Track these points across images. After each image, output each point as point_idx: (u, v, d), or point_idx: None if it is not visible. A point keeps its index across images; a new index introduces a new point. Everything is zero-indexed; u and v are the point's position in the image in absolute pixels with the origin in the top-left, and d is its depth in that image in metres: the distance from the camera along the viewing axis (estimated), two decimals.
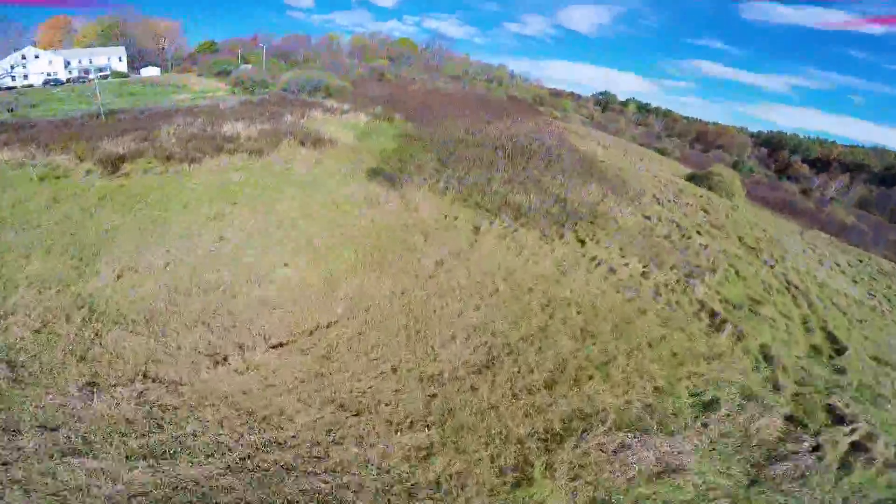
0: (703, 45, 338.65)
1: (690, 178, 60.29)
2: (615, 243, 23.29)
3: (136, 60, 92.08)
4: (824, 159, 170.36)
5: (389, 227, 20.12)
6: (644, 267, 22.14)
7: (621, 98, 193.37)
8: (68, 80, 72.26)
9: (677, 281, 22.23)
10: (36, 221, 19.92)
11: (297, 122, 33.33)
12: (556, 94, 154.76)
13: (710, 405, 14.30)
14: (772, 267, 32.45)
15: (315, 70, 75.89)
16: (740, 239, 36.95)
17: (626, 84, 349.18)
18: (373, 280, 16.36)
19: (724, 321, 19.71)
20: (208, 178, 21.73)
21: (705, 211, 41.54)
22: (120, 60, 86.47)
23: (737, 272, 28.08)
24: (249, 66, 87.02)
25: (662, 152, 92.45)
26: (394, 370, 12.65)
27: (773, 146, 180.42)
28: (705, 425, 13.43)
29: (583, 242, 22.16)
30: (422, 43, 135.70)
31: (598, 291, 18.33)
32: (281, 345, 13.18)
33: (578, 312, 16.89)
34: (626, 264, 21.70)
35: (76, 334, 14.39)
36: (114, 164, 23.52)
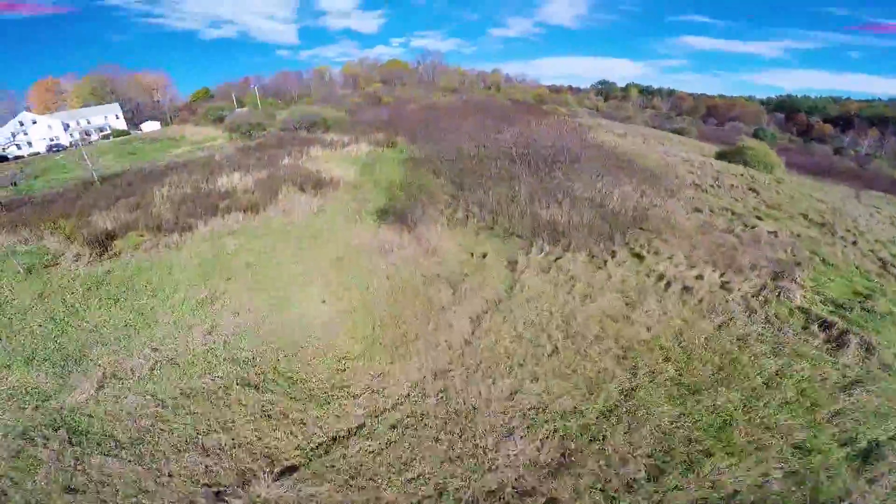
0: (686, 21, 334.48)
1: (722, 156, 55.47)
2: (677, 251, 19.46)
3: (136, 116, 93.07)
4: (844, 116, 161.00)
5: (407, 281, 16.76)
6: (721, 276, 18.24)
7: (620, 85, 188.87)
8: (71, 144, 72.57)
9: (764, 287, 18.25)
10: (19, 325, 18.04)
11: (296, 165, 30.92)
12: (556, 90, 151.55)
13: (870, 453, 11.03)
14: (854, 244, 28.23)
15: (310, 105, 75.14)
16: (805, 216, 32.40)
17: (622, 70, 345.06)
18: (396, 362, 12.97)
19: (843, 332, 15.95)
20: (201, 249, 19.01)
21: (754, 191, 37.00)
22: (117, 118, 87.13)
23: (823, 260, 23.83)
24: (245, 108, 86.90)
25: (681, 132, 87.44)
26: (439, 492, 9.24)
27: (787, 110, 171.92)
28: (872, 482, 10.29)
29: (640, 257, 18.37)
30: (412, 61, 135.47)
31: (680, 323, 14.55)
32: (292, 469, 10.00)
33: (666, 359, 13.17)
34: (700, 276, 17.85)
35: (57, 459, 12.36)
36: (102, 244, 21.31)
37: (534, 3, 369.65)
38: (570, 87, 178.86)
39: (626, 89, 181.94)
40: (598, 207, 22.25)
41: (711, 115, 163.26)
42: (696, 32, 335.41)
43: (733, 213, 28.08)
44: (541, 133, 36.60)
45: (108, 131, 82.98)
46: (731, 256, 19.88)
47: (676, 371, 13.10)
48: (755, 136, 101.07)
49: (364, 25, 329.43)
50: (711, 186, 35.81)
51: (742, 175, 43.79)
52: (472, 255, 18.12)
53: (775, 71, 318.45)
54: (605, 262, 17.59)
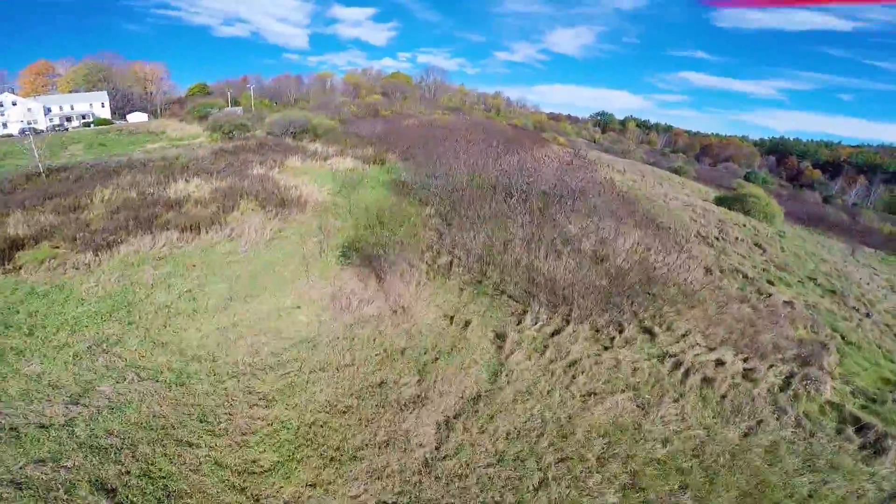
0: (686, 56, 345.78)
1: (721, 202, 53.95)
2: (692, 326, 16.54)
3: (124, 106, 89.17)
4: (833, 162, 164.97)
5: (362, 358, 12.83)
6: (744, 361, 15.35)
7: (618, 116, 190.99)
8: (47, 129, 68.85)
9: (792, 375, 15.44)
10: None
11: (266, 175, 27.50)
12: (555, 118, 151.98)
13: None
14: (868, 315, 26.32)
15: (302, 110, 72.14)
16: (813, 280, 30.36)
17: (620, 102, 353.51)
18: (320, 486, 9.15)
19: (881, 436, 13.58)
20: (113, 277, 15.19)
21: (759, 247, 34.93)
22: (102, 106, 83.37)
23: (843, 337, 21.37)
24: (239, 108, 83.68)
25: (678, 172, 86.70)
26: None
27: (779, 153, 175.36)
28: None
29: (651, 334, 15.33)
30: (416, 76, 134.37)
31: (700, 433, 11.47)
32: None
33: (683, 486, 10.10)
34: (720, 361, 14.94)
35: None
36: (2, 255, 17.46)
37: (541, 31, 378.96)
38: (569, 116, 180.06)
39: (624, 122, 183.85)
40: (601, 261, 19.33)
41: (706, 153, 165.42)
42: (695, 68, 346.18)
43: (744, 276, 25.59)
44: (543, 166, 34.05)
45: (91, 119, 78.98)
46: (751, 335, 17.07)
47: (694, 499, 10.10)
48: (747, 178, 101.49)
49: (374, 37, 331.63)
50: (717, 238, 33.58)
51: (745, 226, 41.95)
52: (451, 321, 14.64)
53: (770, 111, 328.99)
54: (612, 339, 14.48)
